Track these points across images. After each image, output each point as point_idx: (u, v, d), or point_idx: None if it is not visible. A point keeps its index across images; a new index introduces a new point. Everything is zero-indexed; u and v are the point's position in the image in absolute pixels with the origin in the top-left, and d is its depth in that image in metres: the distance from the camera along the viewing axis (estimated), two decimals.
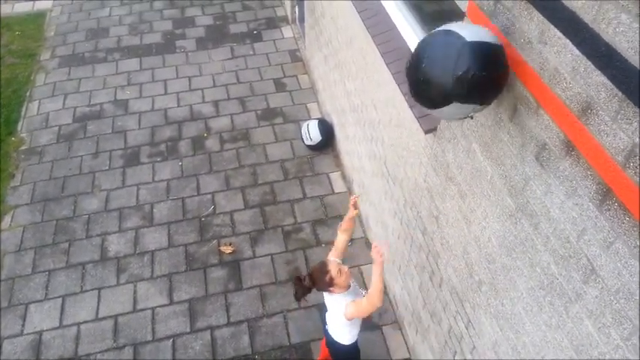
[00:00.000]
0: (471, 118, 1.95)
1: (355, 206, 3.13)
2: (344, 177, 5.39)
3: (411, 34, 3.25)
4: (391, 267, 4.16)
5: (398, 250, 3.88)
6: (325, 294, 3.06)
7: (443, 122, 2.64)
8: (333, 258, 3.07)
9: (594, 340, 1.70)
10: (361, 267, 4.63)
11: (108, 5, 7.93)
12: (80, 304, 4.42)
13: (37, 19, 7.76)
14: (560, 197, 1.76)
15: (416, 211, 3.32)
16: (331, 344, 3.28)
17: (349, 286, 3.01)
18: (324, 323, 3.31)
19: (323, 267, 2.92)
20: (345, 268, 2.94)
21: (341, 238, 3.18)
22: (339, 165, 5.52)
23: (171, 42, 7.21)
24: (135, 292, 4.50)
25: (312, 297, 4.38)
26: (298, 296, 2.98)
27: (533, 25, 1.73)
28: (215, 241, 4.85)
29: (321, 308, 3.39)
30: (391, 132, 3.59)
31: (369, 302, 2.85)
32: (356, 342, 3.27)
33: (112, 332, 4.24)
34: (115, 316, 4.33)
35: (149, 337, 4.21)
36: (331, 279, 2.87)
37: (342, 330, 3.16)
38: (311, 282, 2.93)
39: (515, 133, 1.97)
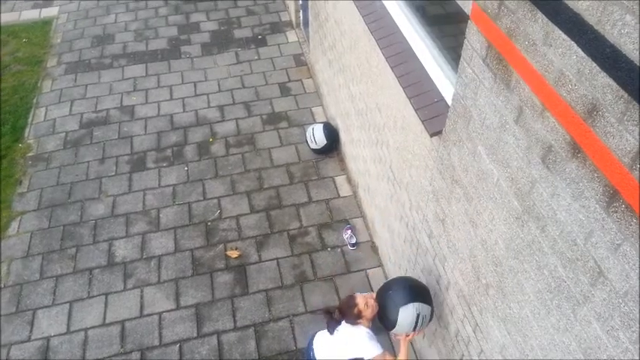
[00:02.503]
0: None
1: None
2: (349, 180, 5.38)
3: (415, 37, 3.25)
4: (397, 271, 4.14)
5: (404, 254, 3.87)
6: (345, 325, 3.06)
7: (448, 125, 2.63)
8: (359, 293, 3.10)
9: (603, 343, 1.69)
10: (367, 271, 4.62)
11: (113, 12, 7.99)
12: (87, 309, 4.44)
13: (44, 26, 7.83)
14: (566, 199, 1.75)
15: (422, 215, 3.31)
16: None
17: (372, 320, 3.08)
18: (310, 348, 3.20)
19: (351, 301, 3.00)
20: (372, 301, 2.99)
21: None
22: (344, 168, 5.52)
23: (177, 48, 7.25)
24: (142, 297, 4.51)
25: (317, 300, 4.40)
26: (331, 330, 3.04)
27: (538, 26, 1.73)
28: (221, 246, 4.86)
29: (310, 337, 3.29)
30: (396, 135, 3.59)
31: None
32: None
33: (119, 337, 4.25)
34: (122, 322, 4.35)
35: (156, 342, 4.21)
36: (359, 312, 2.95)
37: None
38: (340, 315, 3.01)
39: (521, 136, 1.97)
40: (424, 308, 2.85)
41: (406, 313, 2.81)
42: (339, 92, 5.25)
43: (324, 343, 3.14)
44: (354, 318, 2.97)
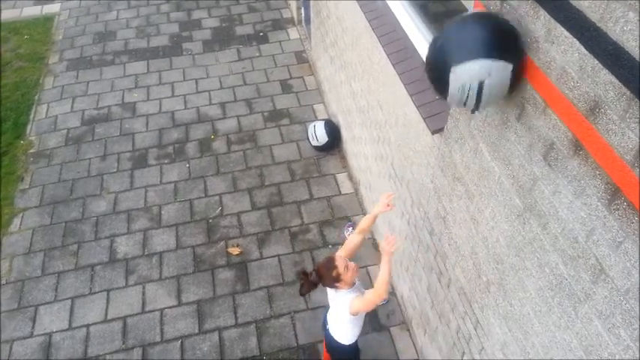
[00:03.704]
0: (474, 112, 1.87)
1: (389, 205, 2.96)
2: (351, 178, 5.38)
3: (417, 34, 3.25)
4: (399, 268, 4.15)
5: (405, 251, 3.87)
6: (329, 291, 3.03)
7: (450, 122, 2.63)
8: (340, 254, 3.04)
9: (604, 341, 1.69)
10: (368, 268, 4.62)
11: (115, 8, 7.98)
12: (89, 305, 4.45)
13: (46, 22, 7.83)
14: (568, 197, 1.75)
15: (423, 212, 3.31)
16: (331, 345, 3.26)
17: (354, 283, 3.00)
18: (325, 324, 3.29)
19: (330, 262, 2.89)
20: (352, 264, 2.92)
21: (355, 239, 3.12)
22: (345, 166, 5.52)
23: (178, 44, 7.25)
24: (143, 293, 4.52)
25: (320, 298, 4.41)
26: (303, 291, 2.95)
27: (540, 24, 1.72)
28: (222, 243, 4.87)
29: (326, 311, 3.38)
30: (398, 132, 3.59)
31: (375, 293, 2.82)
32: (356, 342, 3.25)
33: (120, 333, 4.26)
34: (124, 318, 4.36)
35: (158, 339, 4.22)
36: (338, 275, 2.84)
37: (344, 328, 3.13)
38: (317, 277, 2.91)
39: (523, 133, 1.96)
40: (484, 68, 1.69)
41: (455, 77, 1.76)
42: (340, 89, 5.25)
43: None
44: (333, 281, 2.86)
